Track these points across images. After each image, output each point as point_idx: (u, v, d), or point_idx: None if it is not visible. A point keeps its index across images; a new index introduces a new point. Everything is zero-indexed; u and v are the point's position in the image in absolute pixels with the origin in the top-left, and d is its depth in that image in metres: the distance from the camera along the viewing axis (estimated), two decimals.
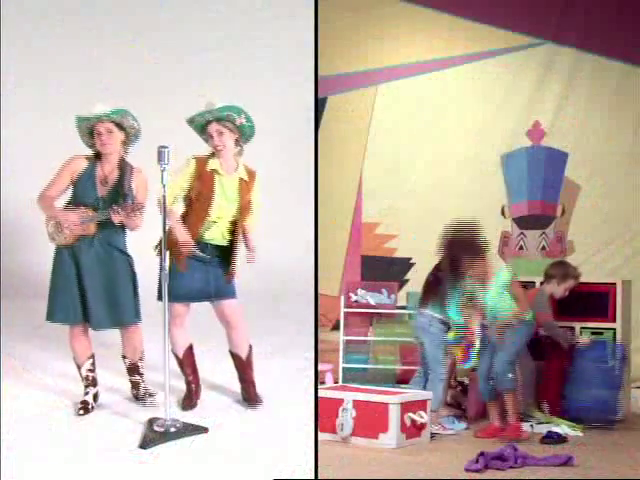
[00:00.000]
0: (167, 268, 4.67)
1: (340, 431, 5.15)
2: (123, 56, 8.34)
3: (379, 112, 7.73)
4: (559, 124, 7.20)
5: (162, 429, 4.66)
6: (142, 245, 5.08)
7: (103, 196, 4.94)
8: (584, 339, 5.83)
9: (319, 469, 4.33)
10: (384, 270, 7.47)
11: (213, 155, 4.98)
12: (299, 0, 7.86)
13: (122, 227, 5.00)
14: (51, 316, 5.03)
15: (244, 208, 4.98)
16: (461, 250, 5.53)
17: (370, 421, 5.11)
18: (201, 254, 4.93)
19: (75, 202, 4.97)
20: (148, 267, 5.01)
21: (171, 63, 8.43)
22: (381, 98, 7.73)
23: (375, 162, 7.72)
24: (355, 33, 7.75)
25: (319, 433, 5.07)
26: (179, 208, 4.99)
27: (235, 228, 4.99)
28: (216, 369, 5.53)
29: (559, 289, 5.91)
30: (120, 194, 4.91)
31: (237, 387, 5.29)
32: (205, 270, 4.99)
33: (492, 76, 7.42)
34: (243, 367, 5.19)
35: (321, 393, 5.26)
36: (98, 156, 5.01)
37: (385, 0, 7.67)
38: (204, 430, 4.72)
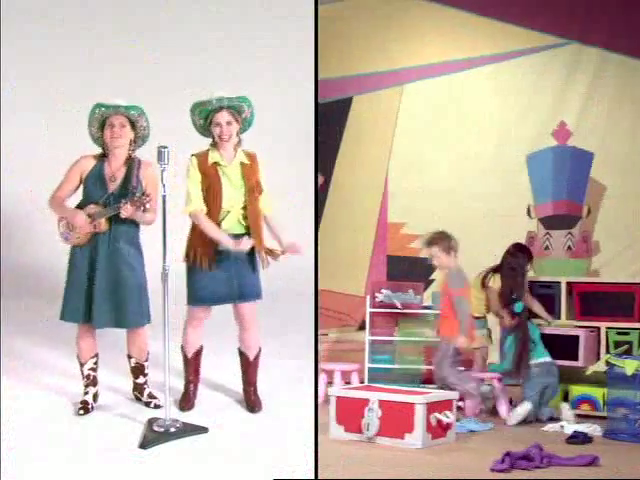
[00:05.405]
0: (167, 268, 4.70)
1: (366, 431, 5.15)
2: (123, 56, 8.34)
3: (404, 112, 7.77)
4: (584, 124, 7.19)
5: (162, 429, 4.66)
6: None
7: (113, 192, 4.96)
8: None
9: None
10: (409, 270, 7.47)
11: (213, 146, 4.98)
12: (299, 0, 7.86)
13: (136, 224, 5.01)
14: (63, 315, 5.03)
15: (251, 190, 4.97)
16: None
17: (396, 421, 5.09)
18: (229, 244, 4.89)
19: (86, 201, 5.00)
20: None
21: (171, 63, 8.43)
22: (407, 98, 7.76)
23: (400, 162, 7.76)
24: (381, 33, 7.78)
25: (345, 433, 5.19)
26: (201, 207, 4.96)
27: (247, 212, 4.98)
28: (218, 368, 5.53)
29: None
30: (129, 189, 4.93)
31: (238, 387, 5.29)
32: (228, 268, 4.97)
33: (517, 76, 7.45)
34: (249, 368, 5.20)
35: (347, 393, 5.32)
36: (105, 154, 5.03)
37: (411, 0, 7.68)
38: (204, 430, 4.72)
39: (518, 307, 6.06)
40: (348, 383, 6.30)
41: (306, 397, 5.09)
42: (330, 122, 7.87)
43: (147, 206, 4.85)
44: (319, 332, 7.31)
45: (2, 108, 8.19)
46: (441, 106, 7.63)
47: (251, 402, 5.13)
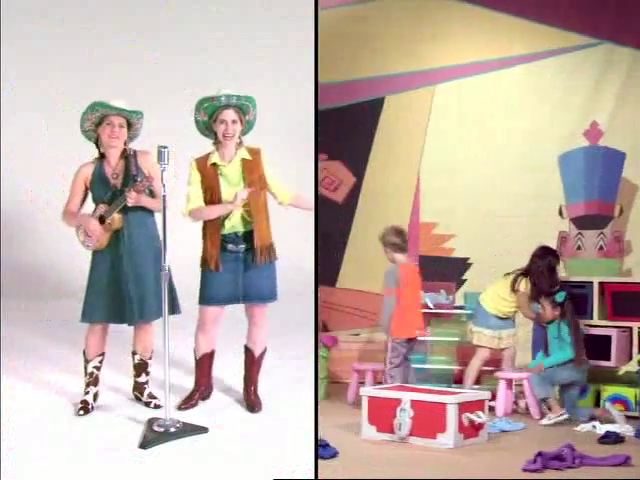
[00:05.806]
0: (167, 268, 4.72)
1: (398, 431, 5.15)
2: (123, 56, 8.35)
3: (436, 112, 7.78)
4: (616, 124, 7.16)
5: (162, 429, 4.66)
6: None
7: (117, 187, 4.98)
8: None
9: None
10: (441, 270, 7.46)
11: (215, 146, 4.99)
12: (299, 0, 7.86)
13: (150, 215, 5.03)
14: (84, 317, 5.03)
15: (251, 185, 4.96)
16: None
17: (428, 421, 5.08)
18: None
19: (96, 203, 5.03)
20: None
21: (171, 63, 8.43)
22: (438, 98, 7.77)
23: (432, 162, 7.76)
24: (414, 33, 7.78)
25: (377, 433, 5.20)
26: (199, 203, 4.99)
27: (250, 207, 4.96)
28: (218, 369, 5.52)
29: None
30: (131, 178, 4.94)
31: (238, 387, 5.30)
32: (235, 269, 4.99)
33: (549, 76, 7.44)
34: (252, 365, 5.21)
35: (379, 393, 5.33)
36: (102, 155, 5.05)
37: (442, 0, 7.69)
38: (204, 430, 4.72)
39: (560, 297, 6.04)
40: (379, 383, 6.30)
41: (306, 397, 5.09)
42: (362, 122, 7.91)
43: (152, 188, 4.91)
44: (352, 332, 7.39)
45: (2, 108, 8.20)
46: (472, 106, 7.63)
47: (251, 402, 5.13)
